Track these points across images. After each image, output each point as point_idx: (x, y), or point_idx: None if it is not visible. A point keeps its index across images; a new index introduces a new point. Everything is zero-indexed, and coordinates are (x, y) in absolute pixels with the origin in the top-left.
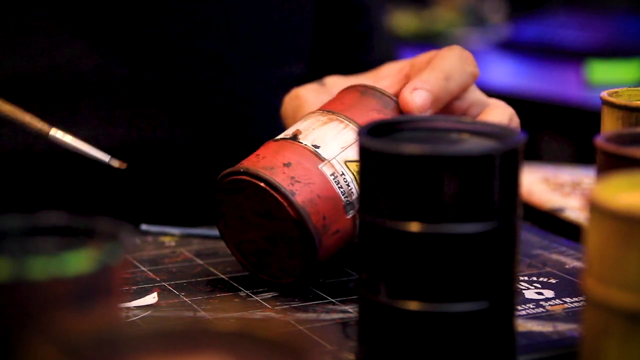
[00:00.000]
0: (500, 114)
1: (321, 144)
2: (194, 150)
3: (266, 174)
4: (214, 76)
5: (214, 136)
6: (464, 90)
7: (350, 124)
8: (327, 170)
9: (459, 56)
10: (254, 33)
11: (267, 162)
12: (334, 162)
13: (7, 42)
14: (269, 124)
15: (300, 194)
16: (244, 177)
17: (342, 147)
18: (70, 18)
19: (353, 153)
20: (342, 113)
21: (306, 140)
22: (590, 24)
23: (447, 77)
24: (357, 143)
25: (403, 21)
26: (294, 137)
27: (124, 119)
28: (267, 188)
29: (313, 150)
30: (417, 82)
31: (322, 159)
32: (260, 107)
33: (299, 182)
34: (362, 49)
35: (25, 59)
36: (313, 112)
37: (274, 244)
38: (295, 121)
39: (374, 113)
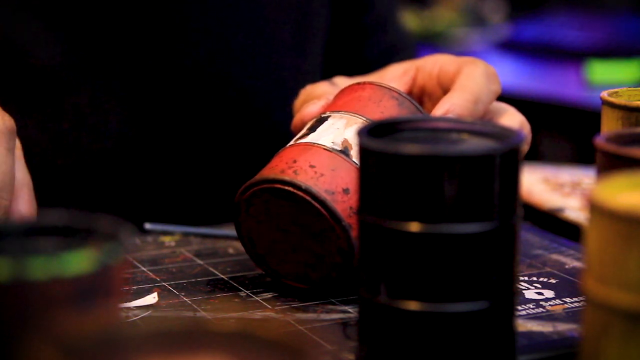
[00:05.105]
0: (510, 123)
1: None
2: (202, 148)
3: (328, 200)
4: (225, 72)
5: (223, 133)
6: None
7: None
8: None
9: (485, 75)
10: (274, 27)
11: (328, 184)
12: None
13: None
14: (270, 122)
15: (355, 228)
16: (304, 195)
17: None
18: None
19: None
20: None
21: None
22: (590, 24)
23: (476, 101)
24: (357, 143)
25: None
26: (345, 152)
27: (132, 115)
28: (327, 216)
29: None
30: (448, 104)
31: None
32: (270, 103)
33: (355, 214)
34: (365, 43)
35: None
36: (352, 114)
37: (297, 251)
38: (303, 102)
39: None
